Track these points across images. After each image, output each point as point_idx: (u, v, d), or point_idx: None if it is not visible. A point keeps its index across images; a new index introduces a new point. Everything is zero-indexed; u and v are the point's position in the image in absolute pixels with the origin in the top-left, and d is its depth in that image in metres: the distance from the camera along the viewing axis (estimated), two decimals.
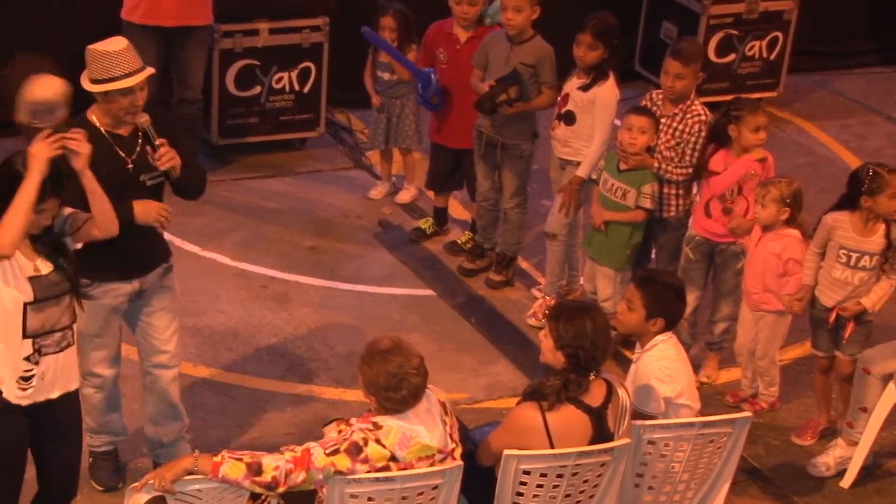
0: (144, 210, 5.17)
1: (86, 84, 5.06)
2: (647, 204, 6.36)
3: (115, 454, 5.65)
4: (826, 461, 6.00)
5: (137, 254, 5.31)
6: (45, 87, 5.07)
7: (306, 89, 8.28)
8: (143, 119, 5.12)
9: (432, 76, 7.20)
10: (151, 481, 4.45)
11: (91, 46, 5.07)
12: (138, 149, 5.17)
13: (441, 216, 7.62)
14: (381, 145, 7.81)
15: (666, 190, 6.43)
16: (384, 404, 4.51)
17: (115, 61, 5.02)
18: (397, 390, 4.47)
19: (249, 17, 8.06)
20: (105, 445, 5.61)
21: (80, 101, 5.22)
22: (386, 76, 7.59)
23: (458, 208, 7.83)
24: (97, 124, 5.13)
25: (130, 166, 5.17)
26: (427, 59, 7.28)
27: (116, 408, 5.59)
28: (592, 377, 4.74)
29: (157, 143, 5.11)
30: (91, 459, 5.63)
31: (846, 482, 5.93)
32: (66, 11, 7.79)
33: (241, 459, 4.44)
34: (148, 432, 5.67)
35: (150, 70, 5.14)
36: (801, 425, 6.25)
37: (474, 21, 7.08)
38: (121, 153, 5.16)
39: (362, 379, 4.54)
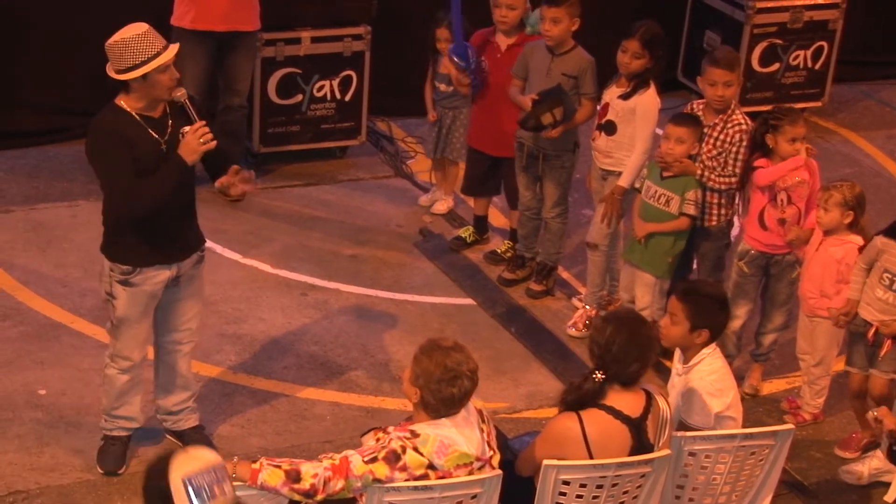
0: (186, 151, 5.23)
1: (121, 76, 5.16)
2: (691, 210, 6.32)
3: (125, 440, 5.71)
4: (860, 470, 5.94)
5: (179, 237, 5.43)
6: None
7: (348, 98, 8.29)
8: (180, 93, 5.25)
9: (469, 50, 7.02)
10: None
11: (113, 39, 5.16)
12: (169, 129, 5.28)
13: (481, 225, 7.60)
14: (432, 154, 7.83)
15: (708, 199, 6.38)
16: (428, 399, 4.47)
17: (144, 43, 5.14)
18: (449, 386, 4.44)
19: (291, 26, 8.09)
20: (118, 430, 5.68)
21: (116, 91, 5.31)
22: (442, 87, 7.57)
23: (497, 217, 7.81)
24: (128, 110, 5.24)
25: (164, 146, 5.27)
26: None
27: (137, 392, 5.66)
28: (604, 380, 4.68)
29: (195, 124, 5.21)
30: (102, 442, 5.70)
31: (890, 496, 5.86)
32: (114, 19, 7.84)
33: (279, 466, 4.44)
34: (156, 398, 5.78)
35: (176, 45, 5.24)
36: (845, 438, 6.18)
37: (515, 27, 7.03)
38: (154, 135, 5.27)
39: (414, 369, 4.49)
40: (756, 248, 6.32)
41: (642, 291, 6.50)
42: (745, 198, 6.39)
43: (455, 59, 7.11)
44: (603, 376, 4.68)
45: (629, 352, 4.69)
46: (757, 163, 6.21)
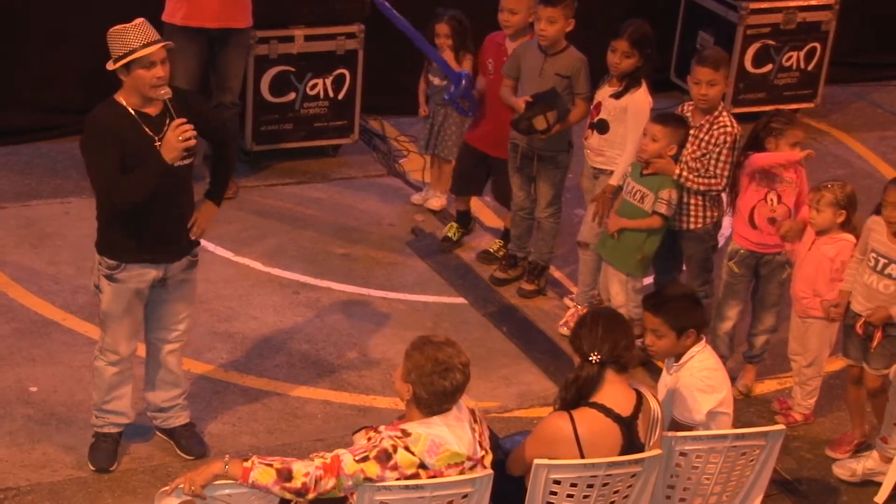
0: (166, 149, 5.22)
1: (109, 65, 5.19)
2: (663, 209, 6.31)
3: (116, 437, 5.72)
4: (854, 467, 5.96)
5: (169, 238, 5.43)
6: None
7: (341, 96, 8.29)
8: (164, 92, 5.23)
9: (464, 79, 7.17)
10: (182, 485, 4.46)
11: (112, 28, 5.20)
12: (166, 128, 5.27)
13: (464, 218, 7.58)
14: (424, 150, 7.82)
15: (693, 201, 6.38)
16: (421, 394, 4.48)
17: (133, 34, 5.16)
18: (441, 379, 4.45)
19: (285, 24, 8.08)
20: (109, 426, 5.69)
21: (109, 89, 5.32)
22: (436, 80, 7.56)
23: (490, 217, 7.81)
24: (124, 104, 5.25)
25: (158, 144, 5.26)
26: (479, 68, 7.26)
27: (126, 387, 5.66)
28: (600, 361, 4.71)
29: (175, 121, 5.20)
30: (93, 439, 5.70)
31: (880, 497, 5.87)
32: (105, 16, 7.84)
33: (271, 465, 4.44)
34: (146, 395, 5.79)
35: (169, 42, 5.25)
36: (836, 438, 6.19)
37: (521, 31, 7.00)
38: (149, 132, 5.26)
39: (406, 365, 4.51)
40: (746, 247, 6.32)
41: (616, 289, 6.50)
42: (731, 198, 6.40)
43: (461, 104, 7.19)
44: (599, 357, 4.70)
45: (614, 328, 4.73)
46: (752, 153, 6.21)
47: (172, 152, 5.20)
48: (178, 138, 5.19)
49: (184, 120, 5.21)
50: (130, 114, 5.24)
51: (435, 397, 4.48)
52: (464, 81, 7.17)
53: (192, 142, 5.22)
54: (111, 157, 5.20)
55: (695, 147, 6.33)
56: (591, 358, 4.71)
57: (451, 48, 7.45)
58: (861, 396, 6.10)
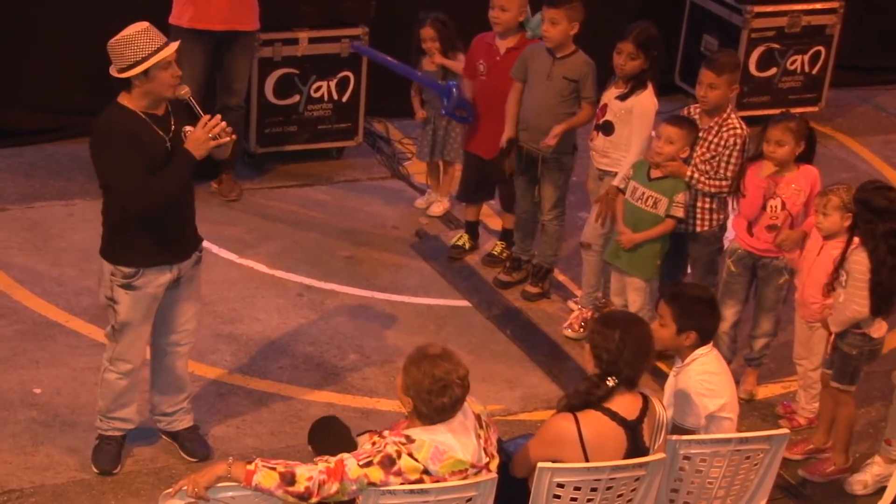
0: (195, 144, 5.23)
1: (124, 74, 5.16)
2: (680, 213, 6.32)
3: (120, 441, 5.72)
4: (863, 479, 5.93)
5: (181, 237, 5.43)
6: None
7: (345, 98, 8.29)
8: (184, 91, 5.25)
9: (453, 89, 7.17)
10: (185, 487, 4.46)
11: (115, 38, 5.18)
12: (173, 127, 5.28)
13: (473, 230, 7.57)
14: (426, 157, 7.79)
15: (700, 203, 6.38)
16: (421, 408, 4.48)
17: (144, 40, 5.15)
18: (439, 396, 4.44)
19: (289, 27, 8.09)
20: (113, 430, 5.69)
21: (113, 90, 5.31)
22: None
23: (492, 219, 7.80)
24: (133, 108, 5.24)
25: (168, 144, 5.27)
26: (469, 70, 7.25)
27: (134, 394, 5.66)
28: (616, 384, 4.70)
29: (204, 117, 5.21)
30: (97, 441, 5.70)
31: (885, 502, 5.85)
32: (112, 19, 7.85)
33: (274, 468, 4.44)
34: (151, 399, 5.79)
35: (177, 42, 5.25)
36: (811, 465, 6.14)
37: (511, 29, 7.01)
38: (160, 132, 5.27)
39: (405, 380, 4.50)
40: (742, 246, 6.32)
41: (635, 296, 6.49)
42: (736, 200, 6.40)
43: (453, 112, 7.19)
44: (616, 382, 4.70)
45: (640, 352, 4.71)
46: (750, 167, 6.21)
47: (201, 148, 5.22)
48: (207, 134, 5.20)
49: (211, 116, 5.23)
50: (142, 117, 5.24)
51: (435, 412, 4.49)
52: (454, 91, 7.17)
53: (226, 139, 5.22)
54: (136, 160, 5.18)
55: (704, 149, 6.33)
56: (608, 382, 4.70)
57: (439, 51, 7.45)
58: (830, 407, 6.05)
